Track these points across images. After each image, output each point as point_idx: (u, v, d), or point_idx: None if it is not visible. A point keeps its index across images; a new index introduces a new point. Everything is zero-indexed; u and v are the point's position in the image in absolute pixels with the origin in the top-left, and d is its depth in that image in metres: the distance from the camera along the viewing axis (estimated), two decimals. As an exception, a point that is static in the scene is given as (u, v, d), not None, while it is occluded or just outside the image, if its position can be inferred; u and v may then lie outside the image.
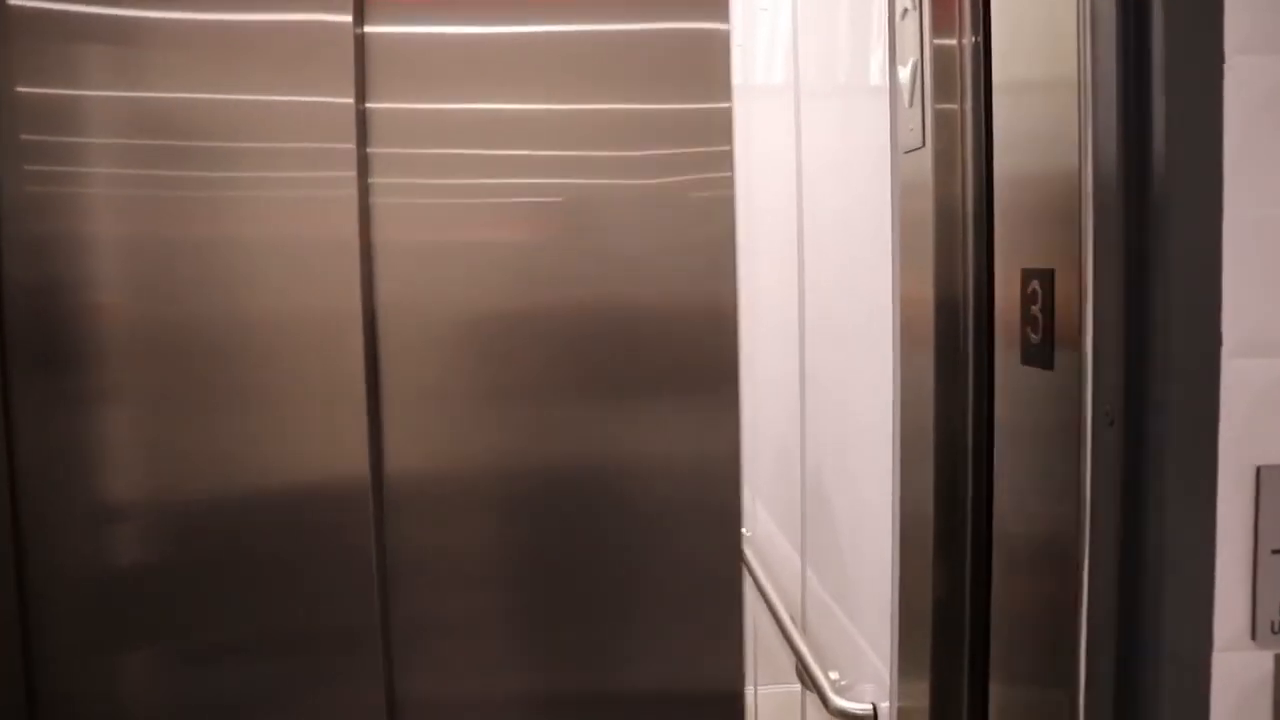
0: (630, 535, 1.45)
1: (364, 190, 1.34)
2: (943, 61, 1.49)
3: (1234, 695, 1.14)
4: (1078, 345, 1.20)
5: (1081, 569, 1.21)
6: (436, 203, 1.38)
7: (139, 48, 1.31)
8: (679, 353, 1.42)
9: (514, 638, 1.48)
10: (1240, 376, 1.11)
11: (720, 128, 1.38)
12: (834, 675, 1.96)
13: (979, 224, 1.45)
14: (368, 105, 1.34)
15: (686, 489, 1.43)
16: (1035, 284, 1.30)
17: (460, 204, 1.39)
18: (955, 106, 1.46)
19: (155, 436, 1.36)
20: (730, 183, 1.39)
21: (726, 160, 1.39)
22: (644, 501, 1.45)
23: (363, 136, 1.34)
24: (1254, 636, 1.13)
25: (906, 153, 1.59)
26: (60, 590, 1.35)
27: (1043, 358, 1.29)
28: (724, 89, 1.38)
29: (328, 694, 1.43)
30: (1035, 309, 1.31)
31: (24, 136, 1.29)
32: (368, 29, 1.34)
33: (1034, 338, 1.31)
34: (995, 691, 1.47)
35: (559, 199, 1.41)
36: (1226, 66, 1.08)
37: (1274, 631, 1.13)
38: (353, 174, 1.33)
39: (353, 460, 1.37)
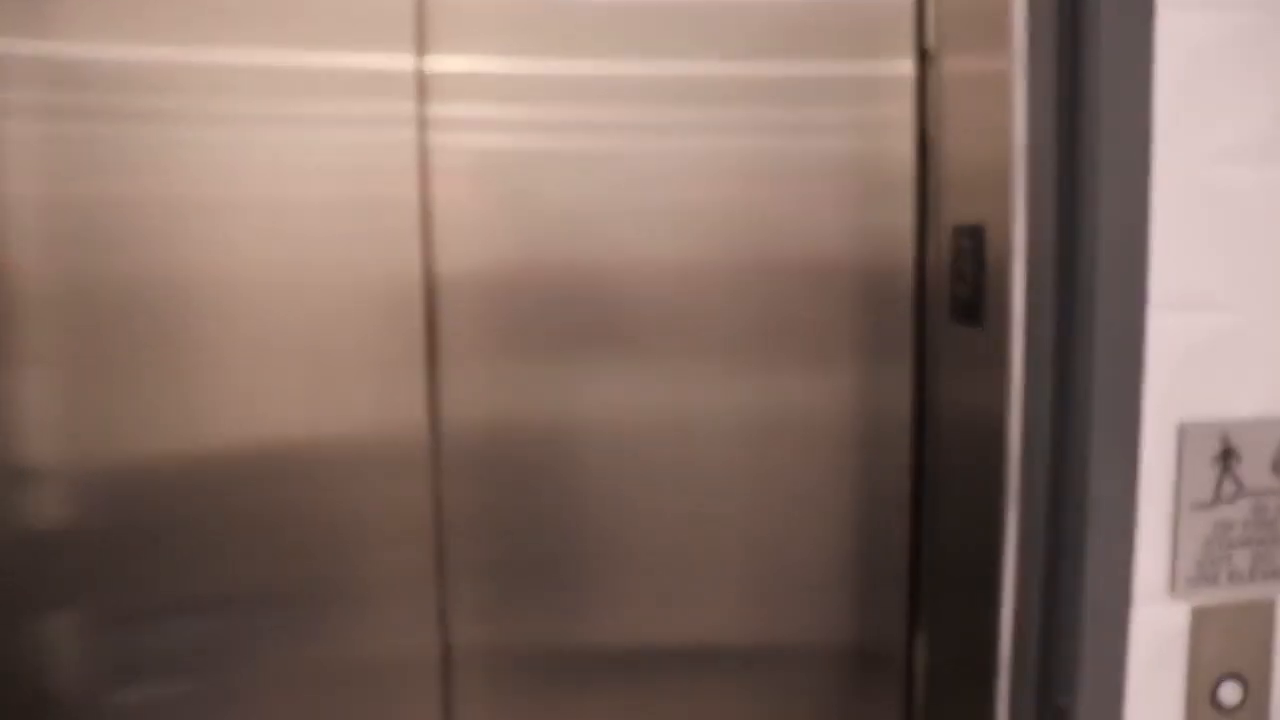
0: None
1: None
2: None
3: (1151, 648, 1.15)
4: (1002, 302, 1.20)
5: (1006, 524, 1.22)
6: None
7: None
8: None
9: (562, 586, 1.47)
10: (1166, 332, 1.12)
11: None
12: None
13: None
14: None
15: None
16: (966, 240, 1.30)
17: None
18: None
19: (221, 390, 1.34)
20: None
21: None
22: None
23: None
24: (1172, 590, 1.15)
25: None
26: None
27: (971, 314, 1.29)
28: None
29: (380, 638, 1.42)
30: (964, 265, 1.30)
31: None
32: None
33: (963, 293, 1.31)
34: (926, 632, 1.48)
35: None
36: (1158, 20, 1.08)
37: (1190, 584, 1.15)
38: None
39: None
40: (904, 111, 1.42)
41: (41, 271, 1.28)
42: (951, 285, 1.34)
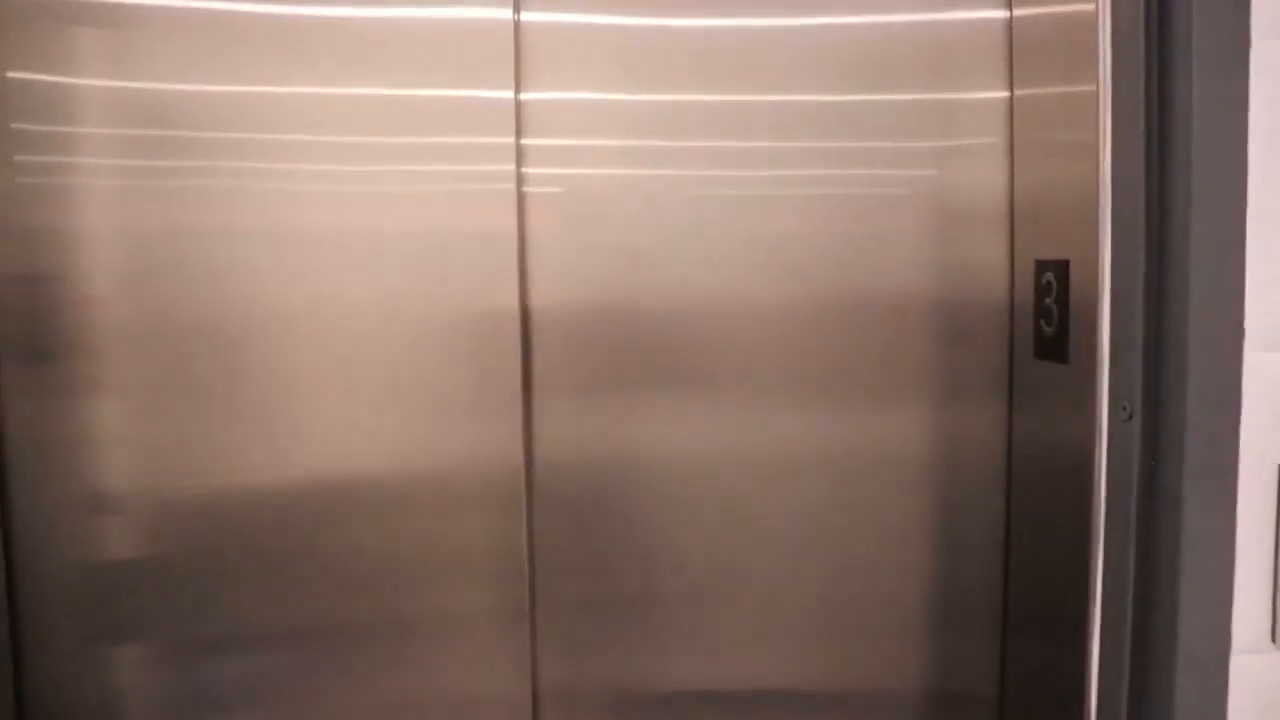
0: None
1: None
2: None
3: (1254, 698, 1.11)
4: (1089, 339, 1.17)
5: (1095, 566, 1.18)
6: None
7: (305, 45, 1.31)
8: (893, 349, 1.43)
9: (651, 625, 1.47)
10: (1263, 371, 1.08)
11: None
12: None
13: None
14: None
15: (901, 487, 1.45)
16: (1049, 275, 1.27)
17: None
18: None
19: (314, 423, 1.36)
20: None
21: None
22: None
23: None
24: (1275, 639, 1.10)
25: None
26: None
27: (1056, 351, 1.26)
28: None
29: (473, 670, 1.43)
30: (1049, 301, 1.27)
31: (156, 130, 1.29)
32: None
33: (1048, 330, 1.28)
34: (1011, 676, 1.44)
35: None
36: (1253, 51, 1.05)
37: (1295, 633, 1.10)
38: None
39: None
40: (995, 140, 1.39)
41: (148, 306, 1.30)
42: (1036, 321, 1.31)
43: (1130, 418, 1.14)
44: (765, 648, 1.46)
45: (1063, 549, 1.25)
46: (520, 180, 1.34)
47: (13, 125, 1.25)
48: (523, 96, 1.33)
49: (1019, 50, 1.37)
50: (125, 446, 1.31)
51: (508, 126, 1.32)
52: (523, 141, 1.34)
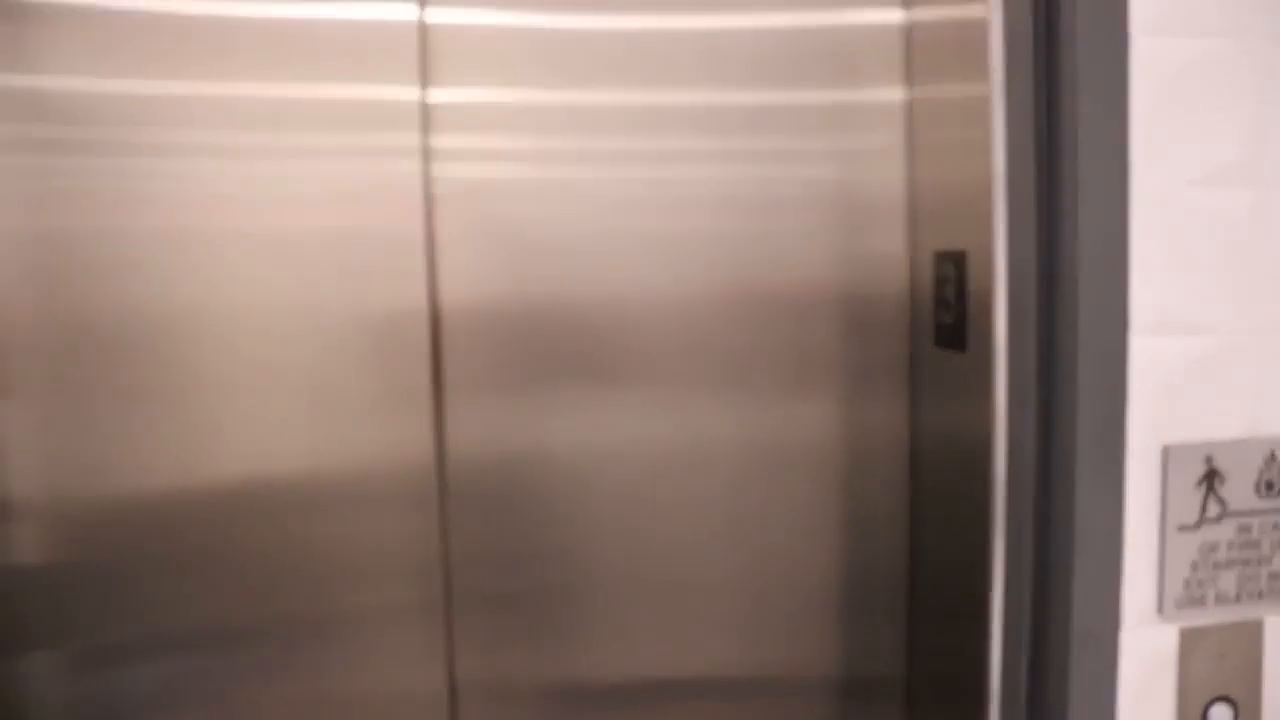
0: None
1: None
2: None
3: (1141, 671, 1.16)
4: (986, 327, 1.20)
5: (995, 549, 1.22)
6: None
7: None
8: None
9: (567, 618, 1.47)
10: (1148, 356, 1.13)
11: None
12: None
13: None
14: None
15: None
16: (949, 266, 1.31)
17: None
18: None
19: (224, 422, 1.33)
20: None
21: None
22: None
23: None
24: (1160, 611, 1.15)
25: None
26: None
27: (955, 340, 1.30)
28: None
29: (388, 669, 1.42)
30: (947, 291, 1.31)
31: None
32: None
33: (946, 319, 1.32)
34: (918, 660, 1.48)
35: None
36: (1132, 48, 1.09)
37: (1178, 606, 1.15)
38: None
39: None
40: (894, 139, 1.42)
41: (44, 306, 1.27)
42: (935, 311, 1.35)
43: (1024, 403, 1.18)
44: (679, 637, 1.47)
45: (964, 533, 1.29)
46: (428, 180, 1.34)
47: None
48: (430, 96, 1.33)
49: (915, 52, 1.40)
50: (27, 450, 1.28)
51: (413, 125, 1.32)
52: (431, 141, 1.34)
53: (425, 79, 1.33)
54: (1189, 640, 1.16)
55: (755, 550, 1.48)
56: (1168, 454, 1.13)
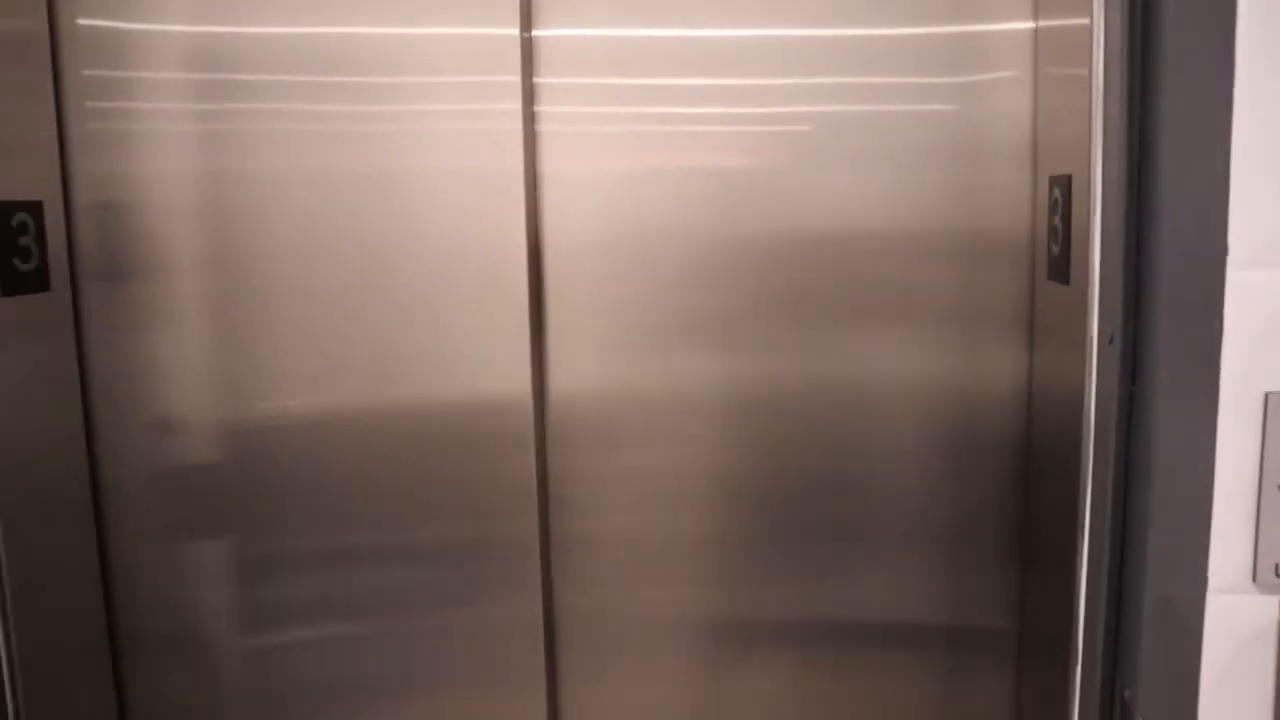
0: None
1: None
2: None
3: (1231, 642, 1.04)
4: (1087, 258, 1.11)
5: (1083, 500, 1.13)
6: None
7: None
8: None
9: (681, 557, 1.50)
10: (1248, 292, 1.00)
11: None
12: None
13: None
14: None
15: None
16: (1057, 192, 1.20)
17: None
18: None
19: (327, 353, 1.43)
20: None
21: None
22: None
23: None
24: (1255, 579, 1.02)
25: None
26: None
27: (1061, 272, 1.20)
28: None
29: (487, 603, 1.49)
30: (1056, 219, 1.21)
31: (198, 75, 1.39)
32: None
33: (1055, 250, 1.22)
34: (1029, 612, 1.40)
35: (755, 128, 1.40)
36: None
37: (1279, 575, 1.02)
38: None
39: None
40: (1024, 71, 1.32)
41: (197, 243, 1.42)
42: (1048, 242, 1.25)
43: (1112, 341, 1.08)
44: (781, 580, 1.46)
45: (1068, 482, 1.20)
46: (532, 119, 1.37)
47: (84, 72, 1.38)
48: (534, 34, 1.36)
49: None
50: (184, 365, 1.44)
51: (514, 65, 1.35)
52: (535, 80, 1.36)
53: (529, 19, 1.35)
54: (1293, 615, 1.03)
55: (867, 495, 1.43)
56: (1269, 402, 1.00)
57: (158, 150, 1.38)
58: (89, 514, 1.45)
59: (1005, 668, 1.44)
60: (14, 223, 1.30)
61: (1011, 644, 1.43)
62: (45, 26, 1.35)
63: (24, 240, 1.32)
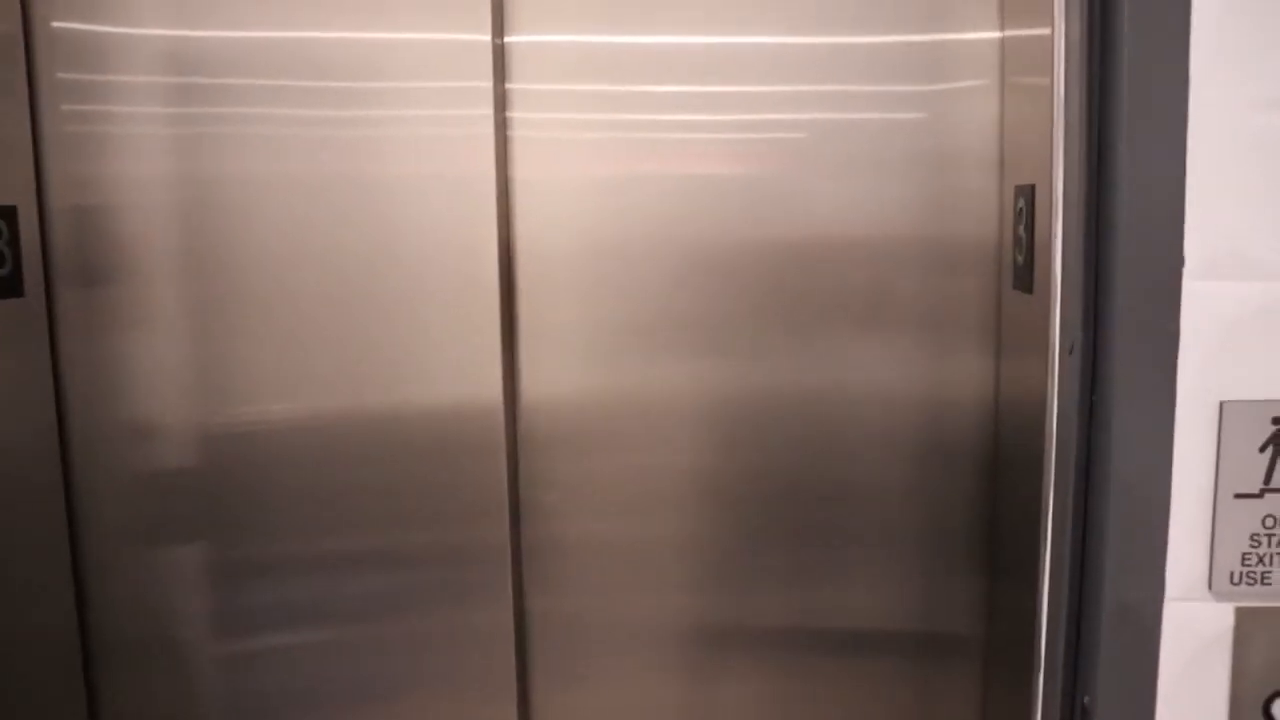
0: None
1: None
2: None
3: (1187, 649, 1.05)
4: (1049, 268, 1.12)
5: (1045, 508, 1.14)
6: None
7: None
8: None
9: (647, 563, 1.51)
10: (1205, 301, 1.01)
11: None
12: None
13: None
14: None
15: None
16: (1022, 201, 1.21)
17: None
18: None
19: (297, 360, 1.44)
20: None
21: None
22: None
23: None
24: (1211, 587, 1.03)
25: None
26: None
27: (1025, 281, 1.21)
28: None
29: (456, 608, 1.50)
30: (1021, 228, 1.22)
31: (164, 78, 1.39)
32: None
33: (1019, 259, 1.23)
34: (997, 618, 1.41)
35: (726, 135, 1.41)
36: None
37: (1234, 583, 1.03)
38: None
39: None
40: (991, 80, 1.33)
41: (164, 245, 1.42)
42: (1013, 249, 1.26)
43: (1072, 351, 1.09)
44: (748, 586, 1.47)
45: (1028, 489, 1.21)
46: (504, 125, 1.37)
47: (59, 75, 1.39)
48: (506, 40, 1.37)
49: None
50: (157, 370, 1.44)
51: (485, 71, 1.36)
52: (507, 86, 1.37)
53: (502, 26, 1.36)
54: (1247, 622, 1.04)
55: (839, 501, 1.44)
56: (1225, 411, 1.01)
57: (132, 154, 1.39)
58: (62, 518, 1.45)
59: (972, 673, 1.44)
60: (-14, 227, 1.30)
61: (978, 650, 1.43)
62: (19, 29, 1.35)
63: (-3, 244, 1.33)
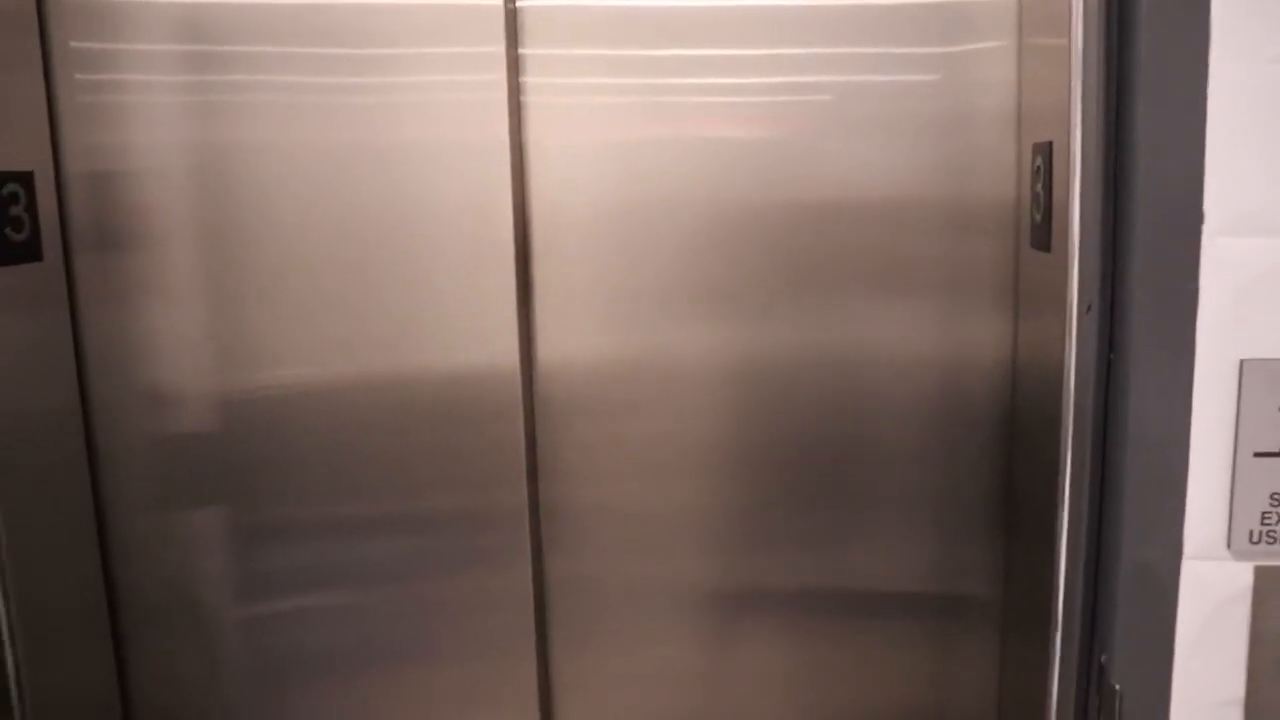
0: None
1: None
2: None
3: (1204, 607, 1.04)
4: (1067, 226, 1.10)
5: (1063, 468, 1.13)
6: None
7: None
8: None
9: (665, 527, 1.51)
10: (1225, 258, 1.00)
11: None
12: None
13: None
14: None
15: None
16: (1039, 159, 1.20)
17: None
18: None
19: (315, 325, 1.44)
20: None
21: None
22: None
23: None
24: (1229, 545, 1.03)
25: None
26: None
27: (1042, 240, 1.20)
28: None
29: (475, 571, 1.51)
30: (1038, 186, 1.20)
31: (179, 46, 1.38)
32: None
33: (1037, 218, 1.21)
34: (1014, 580, 1.41)
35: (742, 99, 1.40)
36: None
37: (1253, 541, 1.02)
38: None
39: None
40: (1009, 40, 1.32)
41: (180, 211, 1.43)
42: (1031, 209, 1.25)
43: (1090, 309, 1.08)
44: (768, 549, 1.47)
45: (1046, 449, 1.20)
46: (517, 89, 1.37)
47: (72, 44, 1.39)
48: (518, 4, 1.35)
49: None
50: (176, 336, 1.45)
51: (499, 36, 1.35)
52: (520, 50, 1.36)
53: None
54: (1265, 581, 1.03)
55: (858, 463, 1.44)
56: (1244, 369, 1.00)
57: (146, 121, 1.39)
58: (86, 483, 1.47)
59: (990, 634, 1.44)
60: (4, 193, 1.31)
61: (997, 610, 1.43)
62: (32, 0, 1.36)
63: (15, 210, 1.33)
